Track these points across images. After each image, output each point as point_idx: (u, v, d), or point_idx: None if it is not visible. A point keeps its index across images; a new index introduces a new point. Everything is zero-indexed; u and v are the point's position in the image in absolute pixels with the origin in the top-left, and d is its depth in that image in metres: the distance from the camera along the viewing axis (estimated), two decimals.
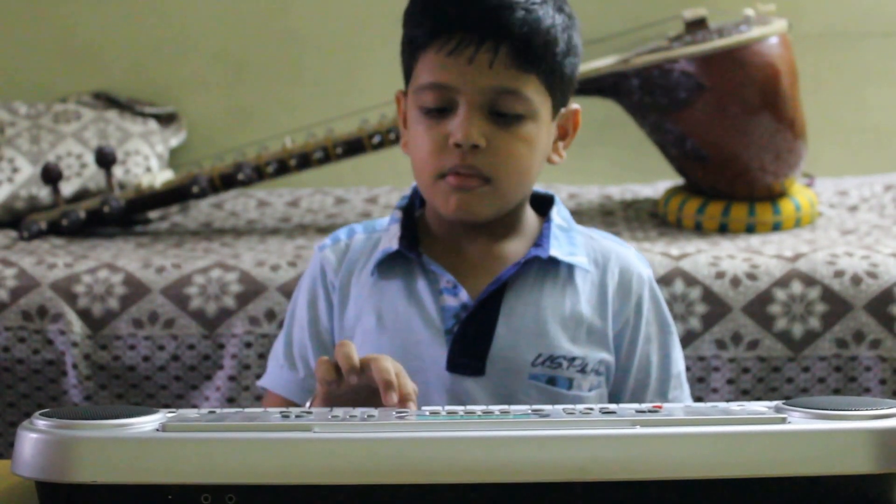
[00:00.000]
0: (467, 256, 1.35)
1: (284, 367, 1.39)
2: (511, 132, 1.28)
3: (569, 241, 1.36)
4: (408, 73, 1.33)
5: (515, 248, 1.36)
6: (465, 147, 1.27)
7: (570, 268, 1.34)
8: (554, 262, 1.34)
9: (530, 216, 1.39)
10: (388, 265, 1.35)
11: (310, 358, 1.37)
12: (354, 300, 1.36)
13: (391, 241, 1.35)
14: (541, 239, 1.35)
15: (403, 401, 1.09)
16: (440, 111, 1.28)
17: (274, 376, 1.40)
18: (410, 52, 1.31)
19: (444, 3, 1.28)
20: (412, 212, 1.39)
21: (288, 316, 1.42)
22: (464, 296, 1.32)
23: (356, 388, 1.12)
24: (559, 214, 1.39)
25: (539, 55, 1.27)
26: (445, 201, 1.30)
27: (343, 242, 1.40)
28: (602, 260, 1.37)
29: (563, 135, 1.37)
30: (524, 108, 1.28)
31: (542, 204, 1.40)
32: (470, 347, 1.30)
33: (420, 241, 1.36)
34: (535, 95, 1.29)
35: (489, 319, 1.31)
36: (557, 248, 1.34)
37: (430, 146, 1.29)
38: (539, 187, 1.40)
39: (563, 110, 1.35)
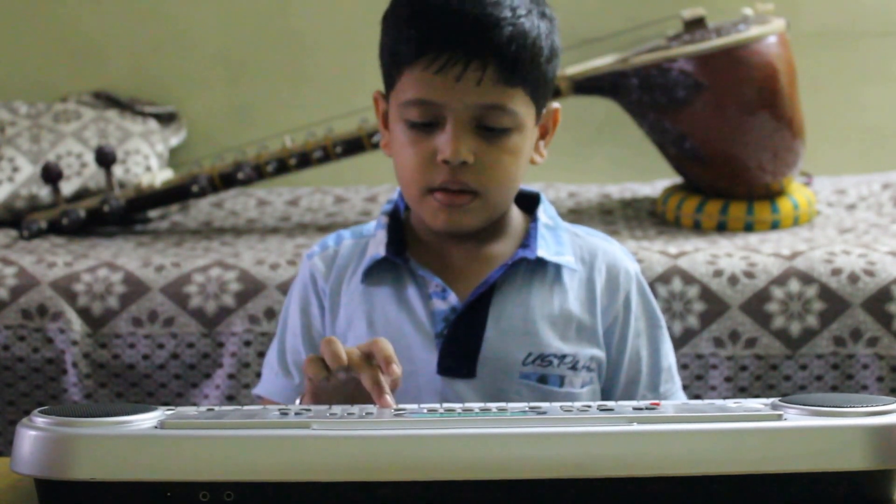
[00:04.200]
0: (454, 259, 1.35)
1: (279, 374, 1.38)
2: (498, 146, 1.28)
3: (556, 240, 1.36)
4: (388, 80, 1.32)
5: (502, 249, 1.36)
6: (453, 164, 1.26)
7: (558, 267, 1.35)
8: (541, 262, 1.34)
9: (516, 216, 1.39)
10: (377, 271, 1.35)
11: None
12: (345, 307, 1.36)
13: (378, 248, 1.35)
14: (528, 239, 1.35)
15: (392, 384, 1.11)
16: (426, 125, 1.28)
17: (269, 383, 1.40)
18: (393, 63, 1.29)
19: (432, 20, 1.26)
20: (398, 215, 1.39)
21: (280, 324, 1.42)
22: (453, 299, 1.32)
23: (344, 381, 1.13)
24: (545, 213, 1.39)
25: (526, 69, 1.27)
26: (434, 216, 1.30)
27: (331, 249, 1.40)
28: (589, 257, 1.37)
29: (543, 134, 1.36)
30: (511, 121, 1.28)
31: (528, 201, 1.40)
32: (460, 350, 1.31)
33: (407, 246, 1.36)
34: (522, 107, 1.28)
35: (478, 321, 1.32)
36: (545, 248, 1.34)
37: (417, 161, 1.28)
38: (538, 186, 1.41)
39: (543, 111, 1.34)
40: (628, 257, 1.41)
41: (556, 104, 1.36)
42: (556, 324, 1.33)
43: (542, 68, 1.29)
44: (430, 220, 1.31)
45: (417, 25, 1.26)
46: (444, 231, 1.32)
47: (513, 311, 1.32)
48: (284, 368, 1.38)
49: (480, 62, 1.24)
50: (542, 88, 1.30)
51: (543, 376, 1.32)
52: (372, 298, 1.34)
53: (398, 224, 1.38)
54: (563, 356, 1.32)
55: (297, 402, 1.21)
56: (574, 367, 1.33)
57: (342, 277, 1.37)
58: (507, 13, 1.25)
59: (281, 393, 1.37)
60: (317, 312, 1.38)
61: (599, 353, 1.35)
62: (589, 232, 1.42)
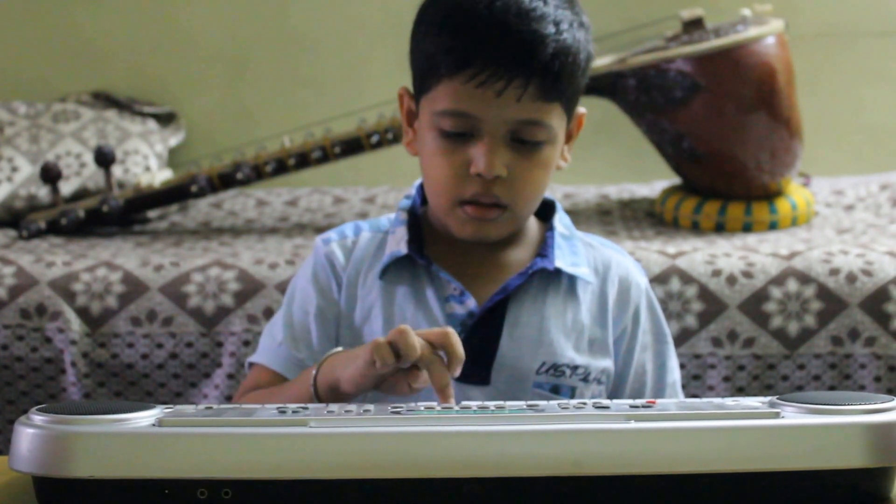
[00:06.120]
0: (472, 262, 1.35)
1: (284, 344, 1.36)
2: (531, 159, 1.28)
3: (571, 250, 1.36)
4: (422, 84, 1.31)
5: (518, 256, 1.36)
6: (487, 178, 1.27)
7: (572, 278, 1.35)
8: (556, 272, 1.34)
9: (532, 223, 1.39)
10: (395, 268, 1.35)
11: (313, 341, 1.35)
12: (361, 300, 1.35)
13: (399, 245, 1.34)
14: (545, 248, 1.35)
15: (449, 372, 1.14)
16: (459, 135, 1.28)
17: (270, 353, 1.37)
18: (431, 70, 1.28)
19: (476, 34, 1.25)
20: (415, 212, 1.39)
21: (286, 301, 1.40)
22: (471, 303, 1.32)
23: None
24: (561, 222, 1.39)
25: (565, 84, 1.27)
26: (461, 227, 1.31)
27: (350, 239, 1.39)
28: (602, 269, 1.38)
29: (568, 138, 1.36)
30: (545, 135, 1.28)
31: (542, 208, 1.40)
32: (476, 356, 1.30)
33: (425, 243, 1.36)
34: (556, 120, 1.29)
35: (494, 328, 1.32)
36: (561, 259, 1.34)
37: (449, 172, 1.28)
38: None
39: (572, 118, 1.34)
40: (639, 271, 1.41)
41: (582, 109, 1.36)
42: (570, 335, 1.33)
43: (578, 81, 1.29)
44: (456, 230, 1.32)
45: (461, 37, 1.26)
46: (469, 240, 1.33)
47: (528, 319, 1.33)
48: (291, 340, 1.36)
49: (523, 79, 1.24)
50: (575, 98, 1.31)
51: (556, 386, 1.32)
52: (390, 295, 1.34)
53: (416, 221, 1.37)
54: (576, 367, 1.33)
55: (313, 373, 1.20)
56: (586, 379, 1.33)
57: (360, 270, 1.37)
58: (551, 29, 1.25)
59: (284, 363, 1.35)
60: (337, 297, 1.37)
61: (611, 366, 1.35)
62: (602, 242, 1.42)
